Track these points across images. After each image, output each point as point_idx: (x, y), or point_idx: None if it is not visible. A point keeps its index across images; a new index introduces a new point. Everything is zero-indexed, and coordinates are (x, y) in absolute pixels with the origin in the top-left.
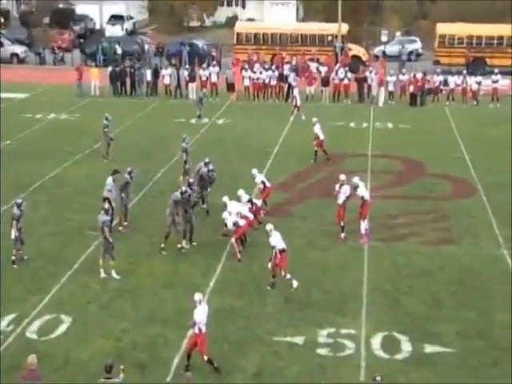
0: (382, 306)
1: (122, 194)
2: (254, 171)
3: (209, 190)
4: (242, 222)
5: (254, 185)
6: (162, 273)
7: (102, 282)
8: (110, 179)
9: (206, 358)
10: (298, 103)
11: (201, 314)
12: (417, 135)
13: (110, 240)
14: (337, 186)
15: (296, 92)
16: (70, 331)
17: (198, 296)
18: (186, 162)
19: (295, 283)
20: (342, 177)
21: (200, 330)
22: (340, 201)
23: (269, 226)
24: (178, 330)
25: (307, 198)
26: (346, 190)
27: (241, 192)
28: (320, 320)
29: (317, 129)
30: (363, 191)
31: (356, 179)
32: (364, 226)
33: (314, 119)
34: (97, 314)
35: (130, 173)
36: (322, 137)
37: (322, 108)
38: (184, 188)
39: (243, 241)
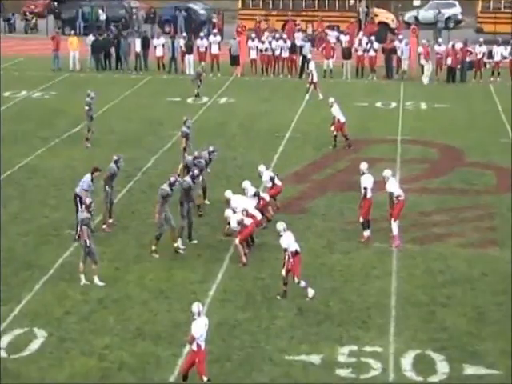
0: (413, 319)
1: (107, 187)
2: (261, 168)
3: (200, 178)
4: (248, 221)
5: (262, 183)
6: (154, 280)
7: (83, 291)
8: (87, 177)
9: (205, 379)
10: (315, 79)
11: (200, 327)
12: (455, 117)
13: (88, 243)
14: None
15: (312, 66)
16: (45, 348)
17: (196, 307)
18: (185, 150)
19: (311, 292)
20: (363, 165)
21: (199, 346)
22: (363, 194)
23: (280, 225)
24: (172, 348)
25: (325, 192)
26: (367, 181)
27: (246, 184)
28: (340, 335)
29: (335, 110)
30: (393, 187)
31: (387, 172)
32: (396, 227)
33: (331, 99)
34: (76, 328)
35: (116, 162)
36: (342, 119)
37: (342, 85)
38: (173, 178)
39: (249, 242)
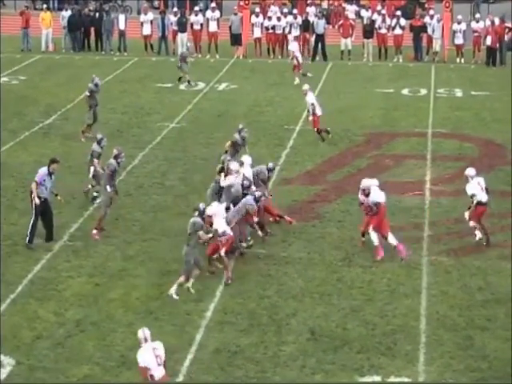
0: (447, 345)
1: (108, 187)
2: (234, 165)
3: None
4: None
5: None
6: (141, 298)
7: (57, 311)
8: (43, 170)
9: None
10: (299, 61)
11: (147, 355)
12: (496, 107)
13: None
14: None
15: (295, 47)
16: (13, 378)
17: (142, 332)
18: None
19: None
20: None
21: (152, 377)
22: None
23: None
24: None
25: (343, 195)
26: (379, 196)
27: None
28: (360, 364)
29: (310, 99)
30: (378, 195)
31: (367, 182)
32: (392, 237)
33: (306, 86)
34: (49, 355)
35: (116, 157)
36: (319, 112)
37: (363, 68)
38: (202, 205)
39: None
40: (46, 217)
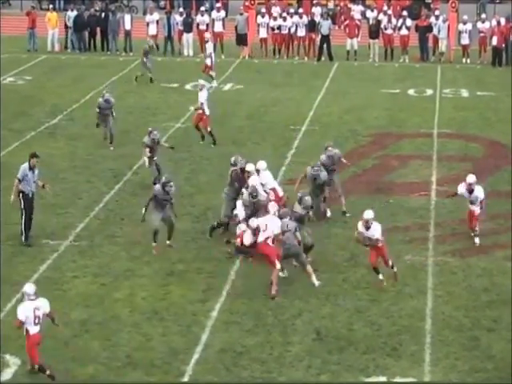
0: (453, 345)
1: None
2: (250, 167)
3: None
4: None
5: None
6: (147, 298)
7: (62, 311)
8: (24, 167)
9: (36, 367)
10: (212, 62)
11: (25, 311)
12: (502, 107)
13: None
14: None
15: (211, 47)
16: (18, 378)
17: (29, 287)
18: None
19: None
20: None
21: (27, 332)
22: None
23: None
24: (168, 378)
25: (348, 195)
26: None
27: (261, 165)
28: (366, 365)
29: (202, 97)
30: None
31: (369, 214)
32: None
33: (201, 81)
34: (55, 355)
35: (164, 185)
36: (207, 111)
37: (369, 69)
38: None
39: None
40: (26, 212)
